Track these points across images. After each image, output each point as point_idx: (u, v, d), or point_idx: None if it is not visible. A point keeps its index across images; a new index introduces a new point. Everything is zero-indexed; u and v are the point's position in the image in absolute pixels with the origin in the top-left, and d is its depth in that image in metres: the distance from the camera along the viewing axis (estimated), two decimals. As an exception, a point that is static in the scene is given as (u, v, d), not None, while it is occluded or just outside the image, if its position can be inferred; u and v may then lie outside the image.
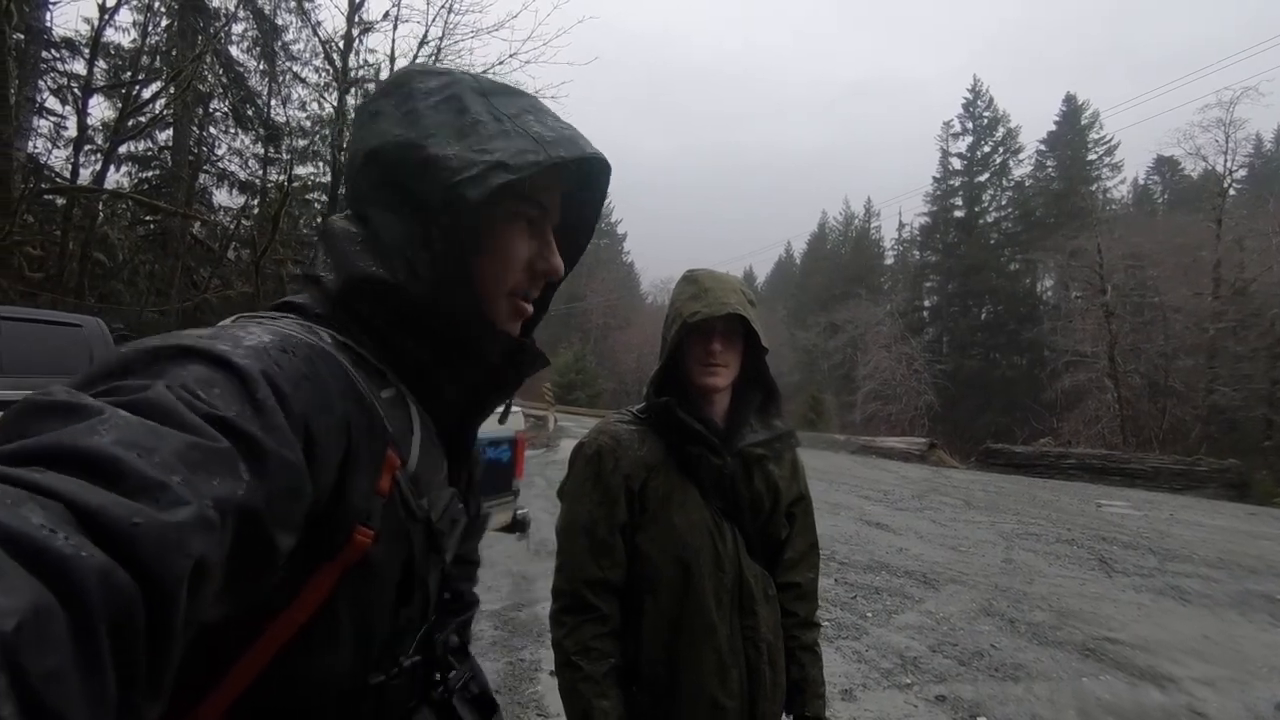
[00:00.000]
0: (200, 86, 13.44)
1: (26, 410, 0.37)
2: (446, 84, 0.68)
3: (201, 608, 0.35)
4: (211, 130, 15.91)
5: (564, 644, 1.25)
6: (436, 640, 0.70)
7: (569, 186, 0.75)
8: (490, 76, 0.73)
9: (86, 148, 11.13)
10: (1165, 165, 39.65)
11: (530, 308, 0.73)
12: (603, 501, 1.28)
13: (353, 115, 12.46)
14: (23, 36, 9.39)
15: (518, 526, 3.92)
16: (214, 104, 15.21)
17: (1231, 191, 26.56)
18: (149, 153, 15.07)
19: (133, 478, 0.33)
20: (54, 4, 9.84)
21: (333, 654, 0.57)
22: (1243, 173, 29.64)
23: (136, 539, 0.31)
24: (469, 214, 0.63)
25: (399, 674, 0.64)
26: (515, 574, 5.32)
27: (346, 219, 0.68)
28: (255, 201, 15.77)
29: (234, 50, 15.03)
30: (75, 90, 11.30)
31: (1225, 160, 25.76)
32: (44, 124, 11.32)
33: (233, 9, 14.30)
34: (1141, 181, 42.81)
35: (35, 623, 0.25)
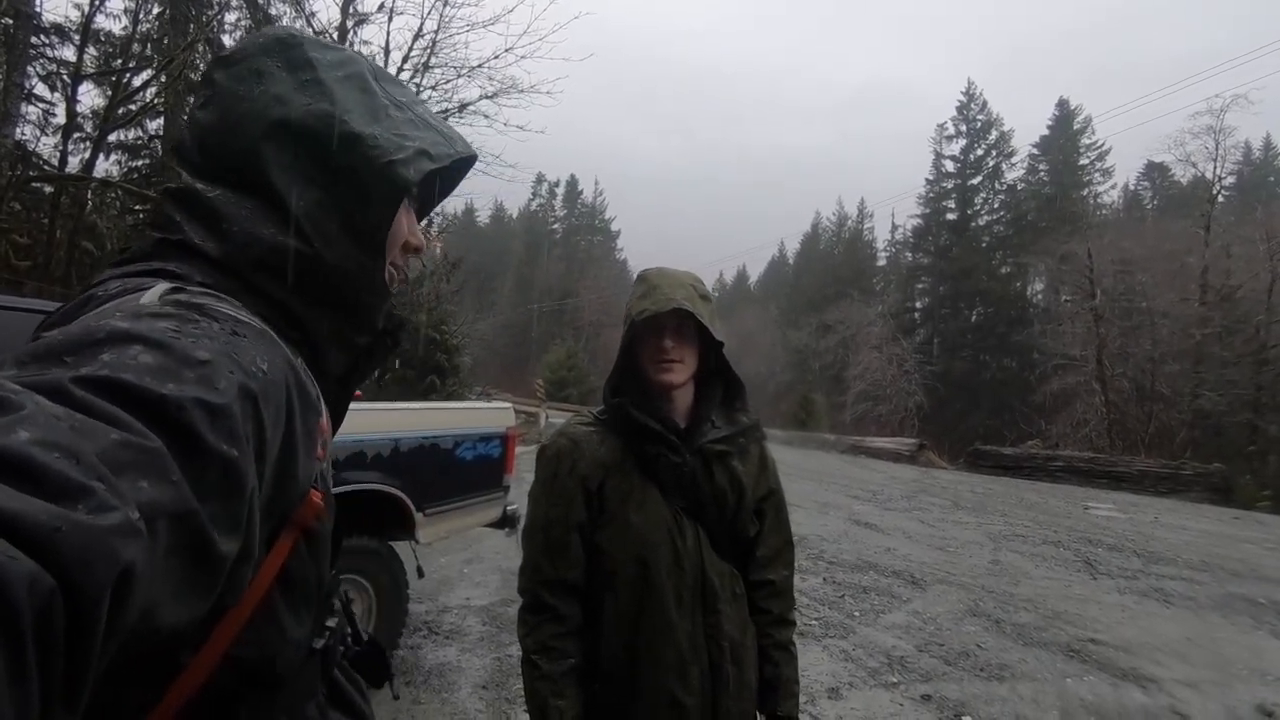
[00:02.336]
0: (192, 75, 13.31)
1: None
2: (346, 60, 0.71)
3: (128, 618, 0.33)
4: (203, 120, 15.72)
5: (525, 642, 1.27)
6: (335, 600, 0.73)
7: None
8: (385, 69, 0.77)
9: (75, 135, 10.99)
10: (1155, 171, 39.99)
11: (404, 280, 0.78)
12: (558, 503, 1.29)
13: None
14: (11, 21, 9.27)
15: (507, 522, 3.91)
16: (206, 93, 15.03)
17: (1220, 198, 26.83)
18: (139, 141, 14.89)
19: (55, 481, 0.31)
20: (44, -11, 9.71)
21: (293, 622, 0.58)
22: (1231, 180, 30.00)
23: (59, 546, 0.29)
24: (396, 192, 0.67)
25: (330, 635, 0.66)
26: (504, 570, 5.31)
27: (206, 185, 0.63)
28: (246, 193, 15.60)
29: (226, 39, 14.85)
30: (64, 77, 11.16)
31: (1214, 167, 26.03)
32: (32, 111, 11.18)
33: (225, -2, 14.15)
34: (1132, 187, 43.15)
35: None
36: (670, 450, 1.28)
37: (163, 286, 0.52)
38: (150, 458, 0.36)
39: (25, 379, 0.37)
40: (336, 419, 0.74)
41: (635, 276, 1.40)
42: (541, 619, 1.26)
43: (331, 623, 0.68)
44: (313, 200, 0.63)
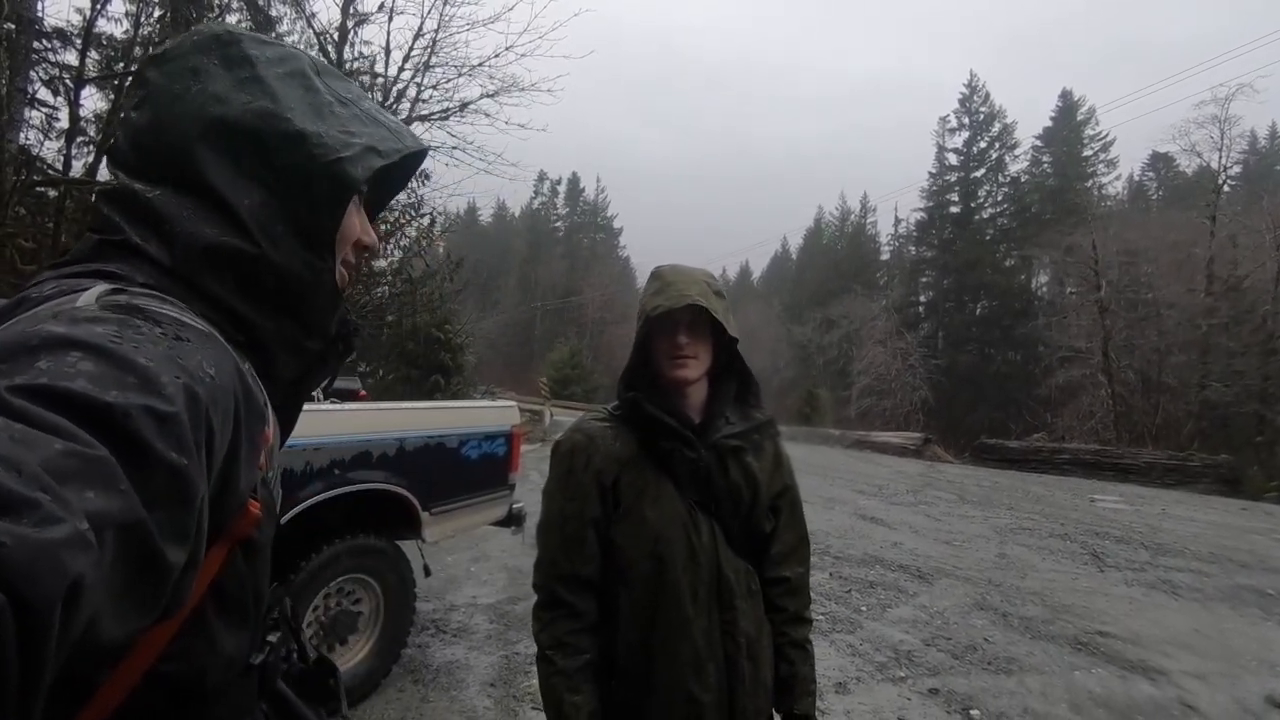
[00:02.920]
0: (193, 78, 13.31)
1: None
2: (286, 56, 0.69)
3: (74, 631, 0.32)
4: (205, 122, 15.77)
5: (540, 639, 1.27)
6: (278, 614, 0.71)
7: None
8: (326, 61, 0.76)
9: (79, 139, 11.03)
10: (1160, 161, 39.78)
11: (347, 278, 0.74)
12: (574, 498, 1.29)
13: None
14: (14, 26, 9.29)
15: (513, 520, 3.92)
16: (207, 95, 15.07)
17: (1226, 188, 26.64)
18: (142, 145, 14.96)
19: None
20: (45, -6, 9.75)
21: (226, 636, 0.56)
22: (1237, 169, 29.81)
23: (4, 561, 0.28)
24: (344, 191, 0.66)
25: (270, 651, 0.65)
26: (511, 568, 5.32)
27: (145, 186, 0.61)
28: (250, 194, 15.65)
29: (228, 42, 14.87)
30: (67, 81, 11.18)
31: (1220, 157, 25.84)
32: (36, 115, 11.22)
33: (226, 0, 14.18)
34: (1136, 178, 42.91)
35: None
36: (685, 445, 1.28)
37: (101, 287, 0.51)
38: (96, 467, 0.35)
39: None
40: (286, 426, 0.73)
41: (649, 273, 1.40)
42: (557, 614, 1.26)
43: (273, 637, 0.66)
44: (257, 200, 0.62)
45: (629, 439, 1.32)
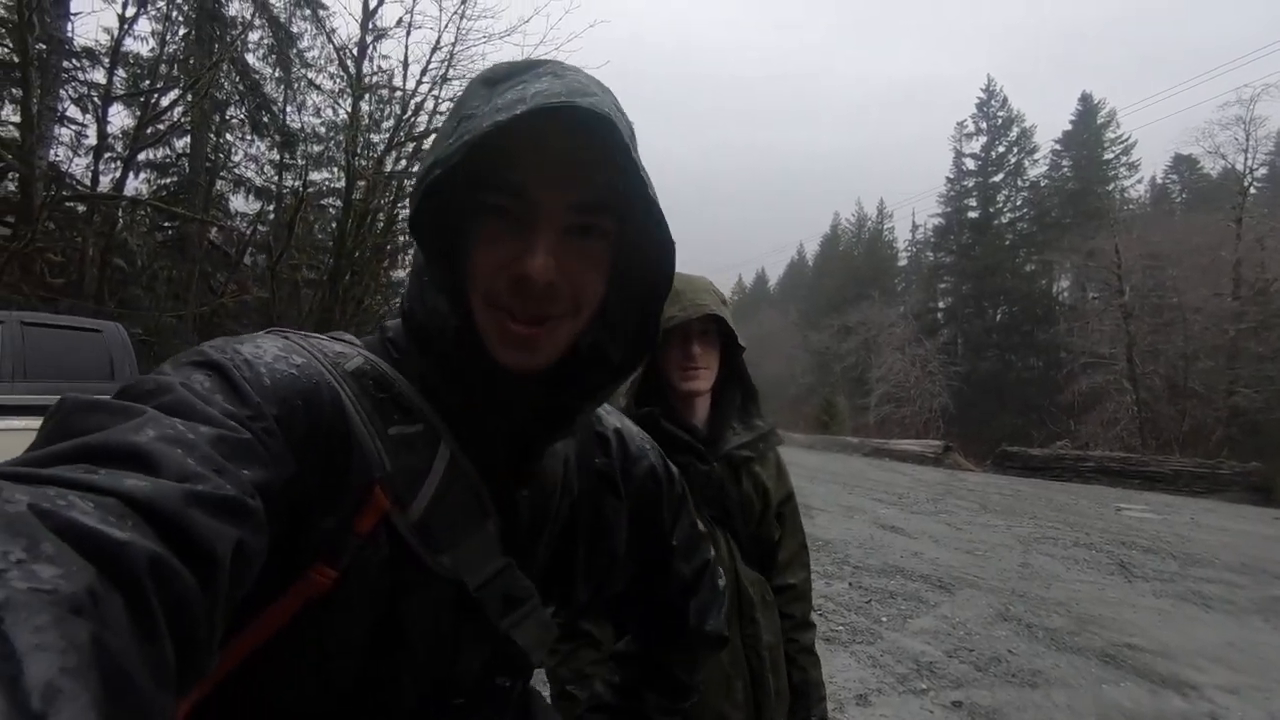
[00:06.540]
0: (217, 94, 13.63)
1: (72, 408, 0.41)
2: (469, 85, 0.59)
3: (242, 586, 0.41)
4: (228, 137, 16.14)
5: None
6: None
7: (578, 158, 0.55)
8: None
9: (106, 155, 11.31)
10: (1183, 164, 39.15)
11: (524, 328, 0.56)
12: None
13: (366, 121, 12.77)
14: (44, 46, 9.55)
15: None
16: (230, 111, 15.41)
17: (1252, 190, 26.17)
18: (167, 160, 15.30)
19: (177, 469, 0.38)
20: (75, 15, 10.04)
21: (288, 685, 0.55)
22: (1263, 171, 29.22)
23: (189, 522, 0.35)
24: (415, 234, 0.57)
25: None
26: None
27: None
28: (271, 207, 15.99)
29: (250, 58, 15.20)
30: (95, 99, 11.51)
31: (1245, 158, 25.40)
32: (65, 132, 11.53)
33: (249, 17, 14.49)
34: (1159, 180, 42.29)
35: (92, 602, 0.28)
36: (698, 459, 1.27)
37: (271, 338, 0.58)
38: (246, 448, 0.45)
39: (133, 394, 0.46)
40: (504, 511, 0.63)
41: None
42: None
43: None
44: (431, 251, 0.58)
45: None
